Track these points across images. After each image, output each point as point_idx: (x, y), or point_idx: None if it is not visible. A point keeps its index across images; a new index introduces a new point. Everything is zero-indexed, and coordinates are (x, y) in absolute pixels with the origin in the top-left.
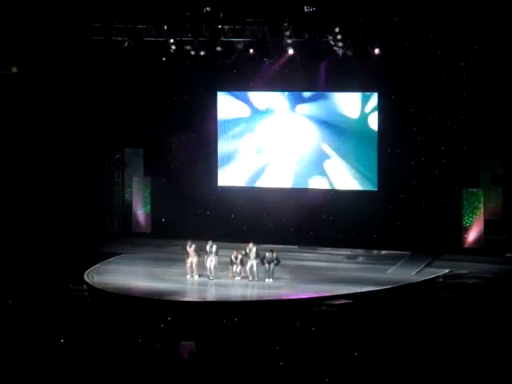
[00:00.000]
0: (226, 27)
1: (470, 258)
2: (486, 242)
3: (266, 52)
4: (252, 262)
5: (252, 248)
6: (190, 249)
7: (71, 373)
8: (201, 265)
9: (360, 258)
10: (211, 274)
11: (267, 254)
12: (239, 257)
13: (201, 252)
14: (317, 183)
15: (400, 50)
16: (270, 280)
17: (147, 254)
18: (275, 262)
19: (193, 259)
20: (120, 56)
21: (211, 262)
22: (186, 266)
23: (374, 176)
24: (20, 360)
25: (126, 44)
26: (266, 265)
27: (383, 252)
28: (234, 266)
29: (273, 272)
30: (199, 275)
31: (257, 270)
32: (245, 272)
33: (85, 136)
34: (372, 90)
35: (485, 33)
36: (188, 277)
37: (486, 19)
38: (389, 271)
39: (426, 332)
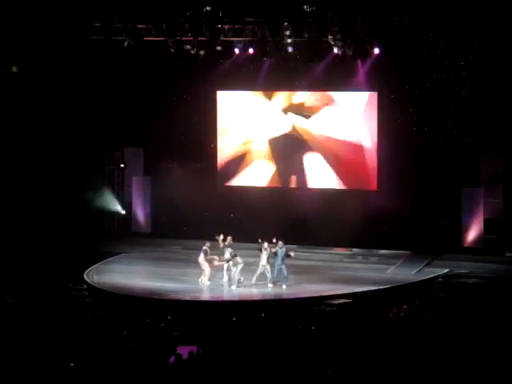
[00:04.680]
0: (226, 27)
1: (469, 257)
2: (486, 242)
3: (265, 51)
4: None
5: (230, 242)
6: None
7: (71, 372)
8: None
9: (359, 258)
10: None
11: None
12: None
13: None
14: (317, 183)
15: (400, 49)
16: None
17: (147, 254)
18: (237, 263)
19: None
20: (120, 56)
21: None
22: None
23: (374, 176)
24: (20, 360)
25: (125, 44)
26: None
27: (383, 251)
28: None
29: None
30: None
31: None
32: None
33: (85, 135)
34: (372, 89)
35: (485, 32)
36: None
37: (486, 19)
38: (388, 271)
39: (425, 332)
